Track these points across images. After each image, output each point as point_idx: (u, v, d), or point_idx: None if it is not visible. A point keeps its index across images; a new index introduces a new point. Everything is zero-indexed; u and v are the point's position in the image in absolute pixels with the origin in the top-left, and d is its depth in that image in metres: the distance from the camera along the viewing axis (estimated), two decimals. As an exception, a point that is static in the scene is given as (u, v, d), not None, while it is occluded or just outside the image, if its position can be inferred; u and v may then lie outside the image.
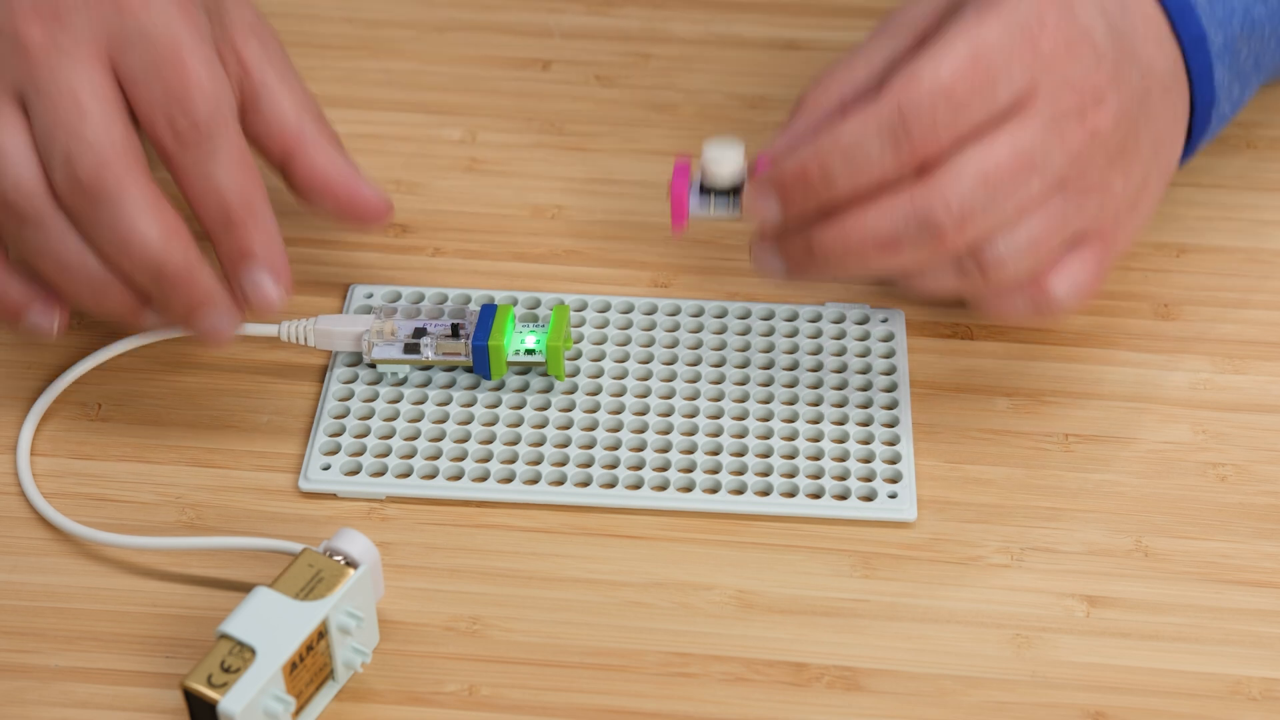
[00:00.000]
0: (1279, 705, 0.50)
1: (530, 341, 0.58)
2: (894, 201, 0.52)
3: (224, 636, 0.47)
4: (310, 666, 0.49)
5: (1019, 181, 0.51)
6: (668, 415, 0.58)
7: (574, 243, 0.65)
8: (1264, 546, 0.55)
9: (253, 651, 0.47)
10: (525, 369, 0.58)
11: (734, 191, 0.56)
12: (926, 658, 0.52)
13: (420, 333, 0.58)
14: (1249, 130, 0.69)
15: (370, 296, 0.62)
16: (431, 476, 0.56)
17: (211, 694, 0.46)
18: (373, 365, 0.59)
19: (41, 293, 0.55)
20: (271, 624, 0.48)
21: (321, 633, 0.48)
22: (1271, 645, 0.52)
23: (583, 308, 0.61)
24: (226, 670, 0.47)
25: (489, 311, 0.58)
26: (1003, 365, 0.60)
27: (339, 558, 0.50)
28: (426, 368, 0.59)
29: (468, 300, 0.61)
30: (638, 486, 0.55)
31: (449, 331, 0.57)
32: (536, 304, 0.61)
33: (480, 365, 0.57)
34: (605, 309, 0.61)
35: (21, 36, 0.53)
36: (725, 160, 0.55)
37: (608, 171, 0.68)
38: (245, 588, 0.52)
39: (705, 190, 0.56)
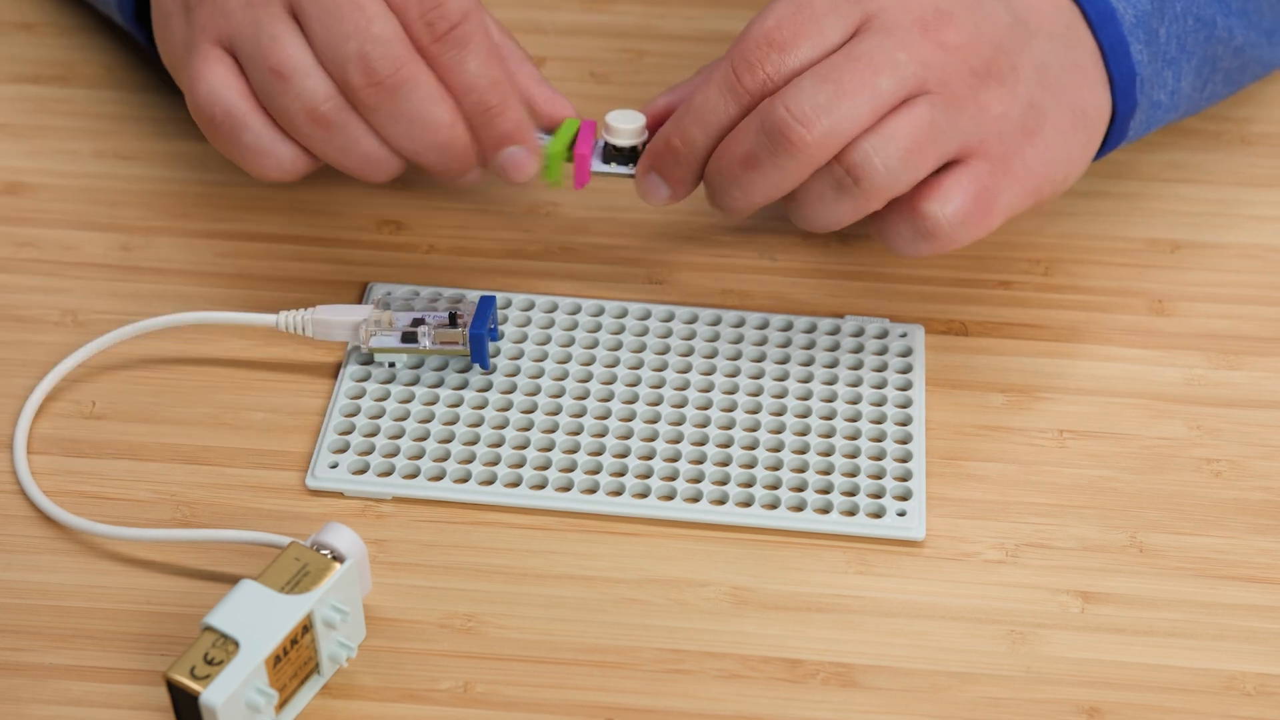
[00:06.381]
0: (1273, 700, 0.50)
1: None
2: (747, 120, 0.55)
3: (208, 629, 0.47)
4: (295, 660, 0.49)
5: (862, 79, 0.53)
6: (679, 424, 0.57)
7: (568, 239, 0.64)
8: (1258, 542, 0.55)
9: (236, 644, 0.47)
10: None
11: (633, 152, 0.58)
12: (921, 654, 0.52)
13: (418, 323, 0.58)
14: (1242, 126, 0.69)
15: (389, 294, 0.61)
16: (438, 478, 0.56)
17: (194, 686, 0.46)
18: (371, 357, 0.59)
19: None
20: (256, 617, 0.48)
21: (306, 626, 0.48)
22: (1266, 640, 0.52)
23: (599, 313, 0.61)
24: (209, 662, 0.47)
25: (488, 303, 0.58)
26: (998, 361, 0.60)
27: (325, 551, 0.50)
28: (420, 365, 0.59)
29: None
30: (645, 495, 0.55)
31: (446, 321, 0.57)
32: (530, 306, 0.61)
33: (478, 354, 0.57)
34: (622, 314, 0.61)
35: None
36: (626, 123, 0.58)
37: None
38: (240, 585, 0.52)
39: (607, 152, 0.58)
